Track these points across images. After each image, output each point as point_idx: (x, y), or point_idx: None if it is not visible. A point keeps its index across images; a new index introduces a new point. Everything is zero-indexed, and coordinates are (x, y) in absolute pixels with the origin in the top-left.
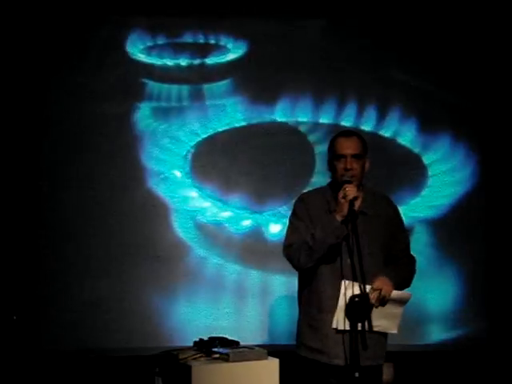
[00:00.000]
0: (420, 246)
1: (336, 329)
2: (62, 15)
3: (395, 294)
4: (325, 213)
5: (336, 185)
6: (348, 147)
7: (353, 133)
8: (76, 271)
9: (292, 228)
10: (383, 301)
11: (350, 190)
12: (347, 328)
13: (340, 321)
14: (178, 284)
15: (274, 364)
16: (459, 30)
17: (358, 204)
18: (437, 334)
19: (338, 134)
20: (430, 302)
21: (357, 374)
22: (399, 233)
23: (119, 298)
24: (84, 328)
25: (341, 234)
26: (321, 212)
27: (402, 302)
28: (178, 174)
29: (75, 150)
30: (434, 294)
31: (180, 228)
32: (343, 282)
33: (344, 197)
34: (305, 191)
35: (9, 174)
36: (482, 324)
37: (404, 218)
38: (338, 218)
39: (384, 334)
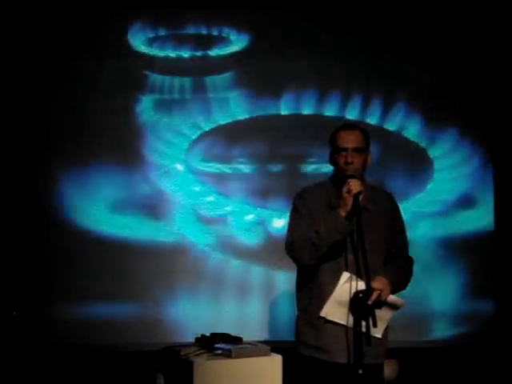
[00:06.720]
0: (424, 240)
1: (332, 322)
2: (64, 7)
3: (391, 298)
4: (326, 208)
5: (337, 179)
6: (349, 140)
7: (354, 126)
8: (77, 267)
9: (293, 225)
10: (379, 303)
11: (355, 185)
12: (336, 320)
13: (330, 311)
14: (180, 279)
15: (277, 360)
16: (465, 24)
17: (360, 199)
18: (441, 330)
19: (339, 127)
20: (434, 297)
21: (360, 371)
22: (398, 230)
23: (120, 293)
24: (85, 323)
25: (345, 229)
26: (322, 207)
27: (394, 307)
28: (179, 167)
29: (76, 143)
30: (439, 290)
31: (182, 222)
32: (344, 274)
33: (348, 191)
34: (304, 186)
35: (9, 168)
36: (487, 320)
37: (408, 213)
38: (342, 213)
39: (384, 333)
